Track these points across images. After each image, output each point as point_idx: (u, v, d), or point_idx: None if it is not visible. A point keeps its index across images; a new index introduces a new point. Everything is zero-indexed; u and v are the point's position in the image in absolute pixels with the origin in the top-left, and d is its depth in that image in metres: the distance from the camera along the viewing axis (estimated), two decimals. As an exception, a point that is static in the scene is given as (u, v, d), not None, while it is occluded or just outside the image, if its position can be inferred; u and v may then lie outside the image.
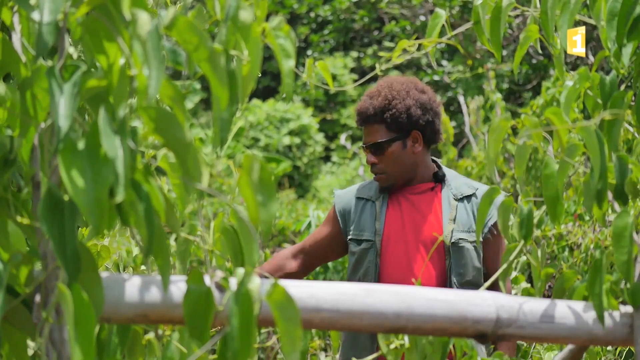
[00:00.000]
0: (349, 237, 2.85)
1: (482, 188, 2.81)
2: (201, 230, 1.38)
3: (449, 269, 2.72)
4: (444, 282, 2.72)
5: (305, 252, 2.93)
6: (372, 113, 2.82)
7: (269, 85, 14.99)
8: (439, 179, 2.85)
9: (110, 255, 1.80)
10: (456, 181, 2.83)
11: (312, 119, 13.30)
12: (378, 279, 2.77)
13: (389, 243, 2.78)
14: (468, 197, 2.80)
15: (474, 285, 2.71)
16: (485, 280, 2.74)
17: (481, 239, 2.74)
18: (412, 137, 2.81)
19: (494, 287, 2.72)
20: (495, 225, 2.77)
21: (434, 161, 2.90)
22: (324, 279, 5.23)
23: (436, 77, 13.90)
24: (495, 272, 2.69)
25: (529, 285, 4.28)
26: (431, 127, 2.83)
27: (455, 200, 2.80)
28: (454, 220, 2.77)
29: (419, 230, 2.77)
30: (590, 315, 1.43)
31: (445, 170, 2.87)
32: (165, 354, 1.23)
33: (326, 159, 14.10)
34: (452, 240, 2.74)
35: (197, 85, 13.83)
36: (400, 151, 2.82)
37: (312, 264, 2.95)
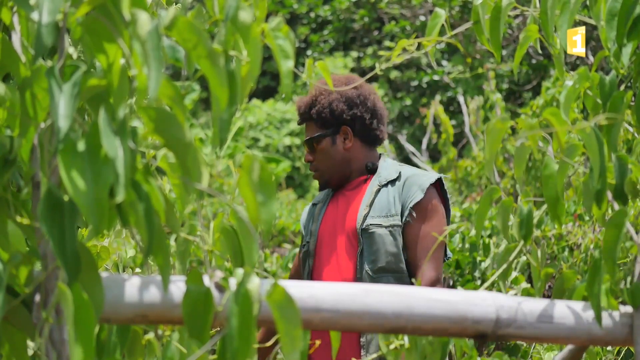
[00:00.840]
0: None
1: (405, 169, 2.73)
2: (201, 230, 1.38)
3: (360, 255, 2.66)
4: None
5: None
6: (302, 111, 2.83)
7: (268, 85, 14.99)
8: (370, 170, 2.80)
9: (110, 255, 1.80)
10: (388, 170, 2.77)
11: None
12: (312, 279, 2.76)
13: (322, 243, 2.77)
14: (392, 182, 2.73)
15: (390, 272, 2.63)
16: (408, 267, 2.65)
17: (401, 224, 2.66)
18: (342, 132, 2.79)
19: (417, 272, 2.62)
20: (415, 207, 2.67)
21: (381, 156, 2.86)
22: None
23: (436, 77, 13.90)
24: (416, 259, 2.62)
25: (528, 285, 4.28)
26: (361, 122, 2.79)
27: (379, 186, 2.74)
28: (370, 205, 2.71)
29: (344, 223, 2.75)
30: (590, 316, 1.43)
31: (384, 161, 2.82)
32: (165, 354, 1.23)
33: (326, 159, 14.08)
34: (363, 226, 2.68)
35: (196, 87, 13.83)
36: (330, 147, 2.80)
37: None
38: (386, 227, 2.67)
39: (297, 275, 2.95)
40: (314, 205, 2.92)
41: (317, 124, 2.81)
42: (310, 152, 2.84)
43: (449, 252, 2.79)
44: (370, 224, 2.68)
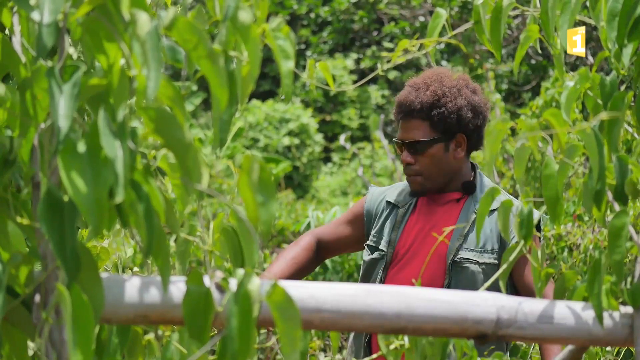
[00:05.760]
0: (367, 242, 2.62)
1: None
2: (201, 230, 1.38)
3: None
4: None
5: (324, 246, 2.67)
6: (417, 108, 2.52)
7: (269, 89, 14.99)
8: (468, 190, 2.56)
9: (110, 256, 1.80)
10: None
11: (311, 120, 13.29)
12: None
13: (400, 256, 2.54)
14: (491, 212, 2.44)
15: None
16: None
17: (497, 262, 2.43)
18: (457, 140, 2.53)
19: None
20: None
21: (473, 168, 2.62)
22: (323, 280, 5.24)
23: (435, 78, 13.85)
24: (527, 289, 2.40)
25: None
26: (478, 133, 2.55)
27: (476, 214, 2.41)
28: (465, 236, 2.48)
29: (431, 245, 2.50)
30: (590, 316, 1.43)
31: (481, 180, 2.59)
32: (164, 355, 1.23)
33: (326, 159, 14.10)
34: (455, 259, 2.46)
35: (194, 87, 13.83)
36: (442, 154, 2.53)
37: (328, 256, 2.71)
38: (479, 264, 2.46)
39: (297, 269, 2.62)
40: (391, 204, 2.62)
41: (432, 126, 2.53)
42: (414, 154, 2.53)
43: None
44: (464, 258, 2.46)
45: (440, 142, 2.53)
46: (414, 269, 2.52)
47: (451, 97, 2.53)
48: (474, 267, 2.46)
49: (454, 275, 2.46)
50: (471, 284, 2.44)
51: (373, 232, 2.62)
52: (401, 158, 2.55)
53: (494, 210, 2.43)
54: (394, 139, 2.61)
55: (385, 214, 2.62)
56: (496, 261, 2.46)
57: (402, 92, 2.59)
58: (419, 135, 2.53)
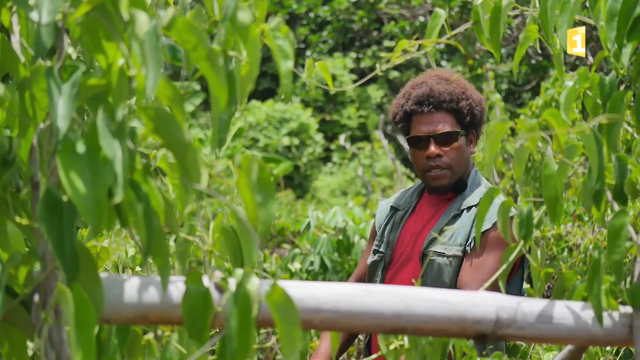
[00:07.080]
0: (372, 247, 2.64)
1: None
2: (200, 230, 1.38)
3: (423, 282, 2.43)
4: None
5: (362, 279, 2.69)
6: (447, 99, 2.50)
7: (269, 87, 14.98)
8: (458, 189, 2.54)
9: (110, 256, 1.80)
10: (473, 192, 2.51)
11: (311, 119, 13.29)
12: None
13: (397, 257, 2.56)
14: (470, 208, 2.46)
15: None
16: None
17: (462, 254, 2.42)
18: (471, 136, 2.55)
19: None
20: (482, 235, 2.35)
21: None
22: (323, 279, 5.24)
23: (435, 78, 13.84)
24: (463, 288, 2.34)
25: (528, 285, 4.28)
26: (480, 130, 2.55)
27: (458, 210, 2.49)
28: (440, 231, 2.47)
29: (416, 243, 2.54)
30: (590, 316, 1.43)
31: (475, 178, 2.55)
32: (164, 355, 1.23)
33: (326, 159, 14.10)
34: (425, 252, 2.47)
35: (197, 87, 13.83)
36: (464, 147, 2.52)
37: None
38: (448, 256, 2.44)
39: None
40: (393, 208, 2.64)
41: (456, 119, 2.51)
42: (440, 146, 2.49)
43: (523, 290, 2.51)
44: (433, 251, 2.45)
45: (463, 135, 2.53)
46: (409, 270, 2.54)
47: (472, 90, 2.55)
48: (441, 260, 2.44)
49: (427, 267, 2.45)
50: (436, 276, 2.44)
51: (377, 236, 2.65)
52: (427, 153, 2.50)
53: (473, 206, 2.44)
54: (410, 135, 2.55)
55: (388, 218, 2.65)
56: (462, 254, 2.44)
57: (422, 86, 2.54)
58: (447, 127, 2.51)
